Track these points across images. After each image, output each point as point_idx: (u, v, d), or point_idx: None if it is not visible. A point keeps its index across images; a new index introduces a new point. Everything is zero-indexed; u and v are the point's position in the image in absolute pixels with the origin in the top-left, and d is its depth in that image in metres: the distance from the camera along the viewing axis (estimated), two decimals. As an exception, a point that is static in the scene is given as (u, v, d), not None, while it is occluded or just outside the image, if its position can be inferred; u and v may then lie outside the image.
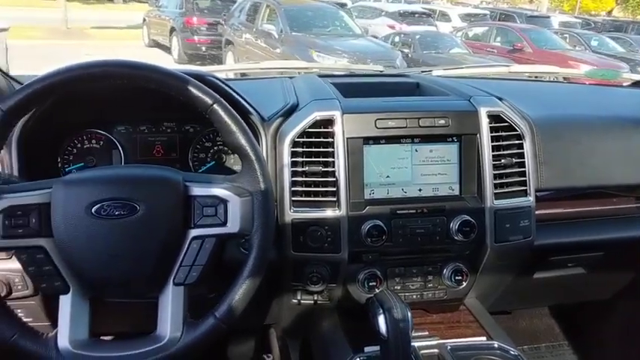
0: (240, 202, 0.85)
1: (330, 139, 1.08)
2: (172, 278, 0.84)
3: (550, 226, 1.28)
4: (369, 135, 1.09)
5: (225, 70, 2.04)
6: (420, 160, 1.12)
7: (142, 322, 0.89)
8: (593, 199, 1.37)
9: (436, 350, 1.08)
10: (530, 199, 1.16)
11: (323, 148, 1.09)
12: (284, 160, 1.08)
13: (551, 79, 2.13)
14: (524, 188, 1.16)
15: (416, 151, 1.12)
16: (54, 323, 1.18)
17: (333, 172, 1.08)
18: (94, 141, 1.25)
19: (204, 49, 9.80)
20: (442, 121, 1.11)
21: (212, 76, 1.10)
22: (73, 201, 0.81)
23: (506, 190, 1.15)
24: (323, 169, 1.08)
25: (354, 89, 1.28)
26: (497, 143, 1.14)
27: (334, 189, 1.08)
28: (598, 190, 1.34)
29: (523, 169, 1.16)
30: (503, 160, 1.14)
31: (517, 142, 1.16)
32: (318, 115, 1.09)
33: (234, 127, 0.86)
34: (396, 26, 11.87)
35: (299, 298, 1.21)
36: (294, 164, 1.08)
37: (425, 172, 1.13)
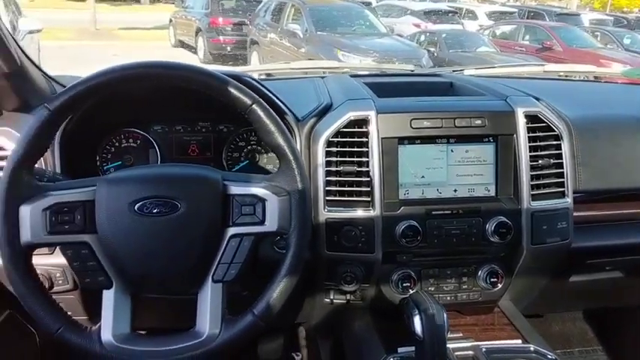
0: (278, 201, 0.86)
1: (365, 139, 1.08)
2: (211, 275, 0.86)
3: (587, 229, 1.26)
4: (404, 135, 1.09)
5: (254, 70, 2.06)
6: (456, 161, 1.11)
7: (180, 318, 0.90)
8: (631, 202, 1.33)
9: (471, 352, 1.07)
10: (568, 200, 1.14)
11: (357, 147, 1.09)
12: (318, 159, 1.09)
13: (581, 78, 2.08)
14: (562, 190, 1.14)
15: (451, 151, 1.11)
16: (91, 318, 1.22)
17: (368, 172, 1.08)
18: (131, 140, 1.27)
19: (229, 49, 9.88)
20: (478, 122, 1.10)
21: (248, 76, 1.11)
22: (117, 198, 0.83)
23: (544, 191, 1.13)
24: (357, 169, 1.08)
25: (387, 89, 1.28)
26: (534, 144, 1.13)
27: (368, 189, 1.08)
28: (637, 192, 1.31)
29: (561, 170, 1.14)
30: (540, 161, 1.13)
31: (555, 142, 1.15)
32: (352, 115, 1.09)
33: (272, 127, 0.87)
34: (421, 25, 11.75)
35: (331, 297, 1.21)
36: (328, 164, 1.09)
37: (460, 173, 1.12)
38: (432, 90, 1.35)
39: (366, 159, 1.08)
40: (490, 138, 1.12)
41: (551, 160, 1.14)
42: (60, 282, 1.14)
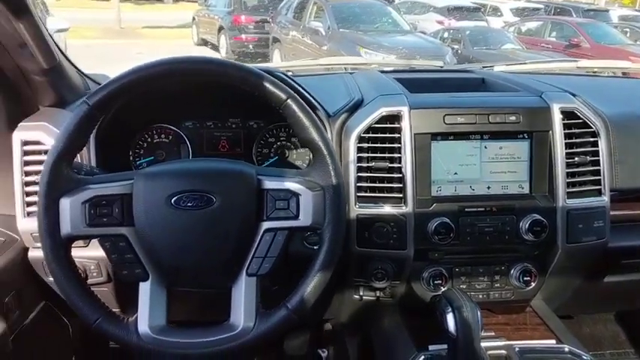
0: (312, 195, 0.86)
1: (397, 135, 1.08)
2: (245, 269, 0.86)
3: (623, 228, 1.23)
4: (437, 131, 1.08)
5: (277, 67, 2.06)
6: (489, 157, 1.10)
7: (212, 312, 0.91)
8: None
9: (504, 351, 1.05)
10: (605, 198, 1.12)
11: (389, 143, 1.08)
12: (350, 155, 1.08)
13: (610, 75, 2.04)
14: (599, 187, 1.12)
15: (485, 147, 1.09)
16: (124, 311, 1.24)
17: (400, 168, 1.07)
18: (163, 136, 1.29)
19: (251, 47, 9.92)
20: (513, 118, 1.08)
21: (281, 72, 1.11)
22: (153, 192, 0.84)
23: (580, 189, 1.11)
24: (389, 165, 1.08)
25: (417, 84, 1.27)
26: (570, 140, 1.11)
27: (400, 185, 1.07)
28: None
29: (597, 168, 1.12)
30: (576, 159, 1.11)
31: (592, 139, 1.12)
32: (384, 110, 1.08)
33: (307, 122, 0.87)
34: (444, 22, 11.62)
35: (361, 294, 1.21)
36: (359, 160, 1.08)
37: (494, 170, 1.10)
38: (463, 86, 1.34)
39: (399, 155, 1.07)
40: (525, 134, 1.10)
41: (588, 158, 1.11)
42: (94, 274, 1.16)
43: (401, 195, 1.07)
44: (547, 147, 1.10)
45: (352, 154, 1.08)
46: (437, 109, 1.08)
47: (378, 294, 1.20)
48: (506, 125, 1.09)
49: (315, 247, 0.96)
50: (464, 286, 1.16)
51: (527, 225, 1.07)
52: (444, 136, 1.08)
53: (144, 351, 0.85)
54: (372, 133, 1.08)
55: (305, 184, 0.87)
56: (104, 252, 0.86)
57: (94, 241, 1.06)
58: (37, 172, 1.09)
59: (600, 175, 1.12)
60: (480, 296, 1.16)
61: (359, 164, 1.08)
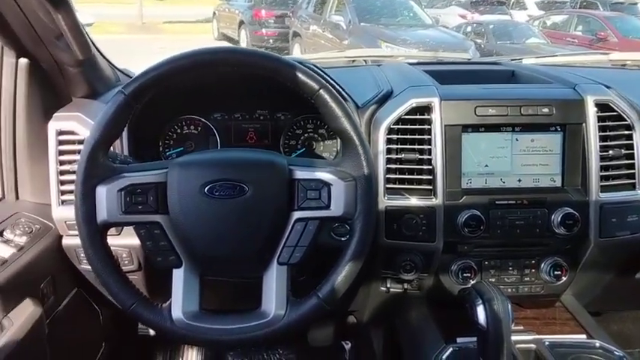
0: (343, 185, 0.86)
1: (427, 127, 1.07)
2: (277, 258, 0.87)
3: None
4: (468, 123, 1.07)
5: (304, 59, 2.06)
6: (521, 150, 1.09)
7: (243, 301, 0.92)
8: None
9: (533, 345, 1.05)
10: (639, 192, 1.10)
11: (419, 135, 1.08)
12: (379, 147, 1.08)
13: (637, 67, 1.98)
14: (633, 181, 1.10)
15: (516, 140, 1.08)
16: (154, 298, 1.26)
17: (430, 159, 1.06)
18: (192, 127, 1.31)
19: (271, 41, 9.94)
20: (545, 110, 1.07)
21: (311, 63, 1.12)
22: (187, 181, 0.85)
23: (613, 182, 1.09)
24: (419, 157, 1.07)
25: (447, 76, 1.26)
26: (604, 133, 1.09)
27: (430, 177, 1.06)
28: None
29: (632, 162, 1.10)
30: (611, 152, 1.09)
31: (626, 132, 1.10)
32: (415, 101, 1.08)
33: (339, 112, 0.87)
34: (467, 15, 11.48)
35: (388, 286, 1.21)
36: (388, 151, 1.08)
37: (525, 163, 1.09)
38: (493, 78, 1.32)
39: (428, 147, 1.07)
40: (557, 127, 1.08)
41: (622, 151, 1.10)
42: (126, 262, 1.18)
43: (430, 187, 1.06)
44: (580, 140, 1.08)
45: (381, 146, 1.08)
46: (468, 101, 1.07)
47: (405, 286, 1.20)
48: (538, 117, 1.07)
49: (343, 239, 0.96)
50: (493, 280, 1.15)
51: (559, 218, 1.06)
52: (475, 128, 1.07)
53: (177, 336, 0.86)
54: (402, 125, 1.08)
55: (337, 174, 0.87)
56: (139, 239, 0.87)
57: (126, 230, 1.09)
58: (71, 162, 1.12)
59: (635, 169, 1.10)
60: (509, 290, 1.15)
61: (388, 156, 1.08)
